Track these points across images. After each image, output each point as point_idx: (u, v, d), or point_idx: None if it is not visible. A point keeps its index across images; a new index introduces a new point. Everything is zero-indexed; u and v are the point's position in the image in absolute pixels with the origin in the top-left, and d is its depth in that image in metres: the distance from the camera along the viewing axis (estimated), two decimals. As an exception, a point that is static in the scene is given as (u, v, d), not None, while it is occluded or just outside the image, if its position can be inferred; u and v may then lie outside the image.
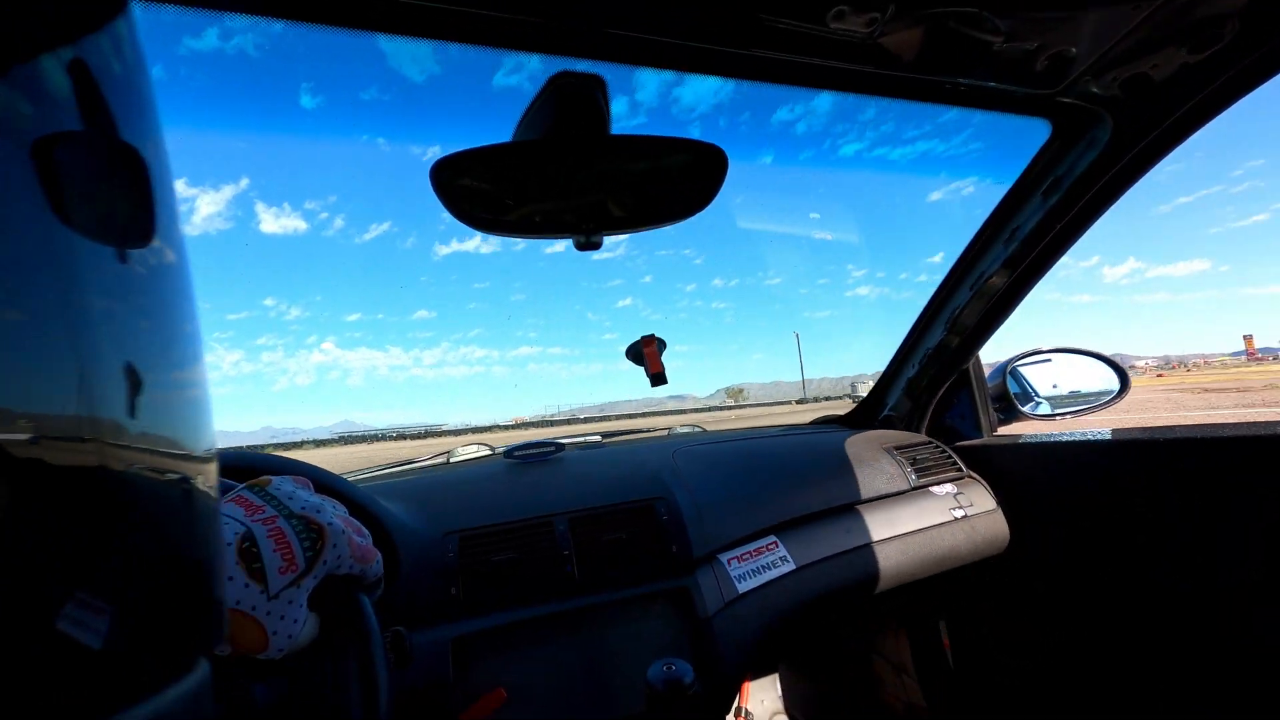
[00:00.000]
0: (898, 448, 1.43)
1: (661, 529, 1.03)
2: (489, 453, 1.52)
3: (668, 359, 1.23)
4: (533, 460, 1.30)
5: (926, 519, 1.30)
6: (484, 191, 0.69)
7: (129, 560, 0.21)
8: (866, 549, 1.21)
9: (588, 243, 0.72)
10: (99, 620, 0.19)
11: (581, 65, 0.76)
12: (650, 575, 1.00)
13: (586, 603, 0.95)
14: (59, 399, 0.19)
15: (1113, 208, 1.09)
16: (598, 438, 1.66)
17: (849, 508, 1.28)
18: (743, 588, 1.06)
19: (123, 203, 0.22)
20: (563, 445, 1.35)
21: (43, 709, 0.18)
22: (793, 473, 1.29)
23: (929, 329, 1.48)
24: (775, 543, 1.16)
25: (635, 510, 1.05)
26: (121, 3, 0.23)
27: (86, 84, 0.21)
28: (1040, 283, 1.28)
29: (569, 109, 0.68)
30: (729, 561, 1.08)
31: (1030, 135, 1.08)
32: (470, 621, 0.90)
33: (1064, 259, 1.23)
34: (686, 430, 1.80)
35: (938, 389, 1.55)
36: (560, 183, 0.71)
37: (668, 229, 0.79)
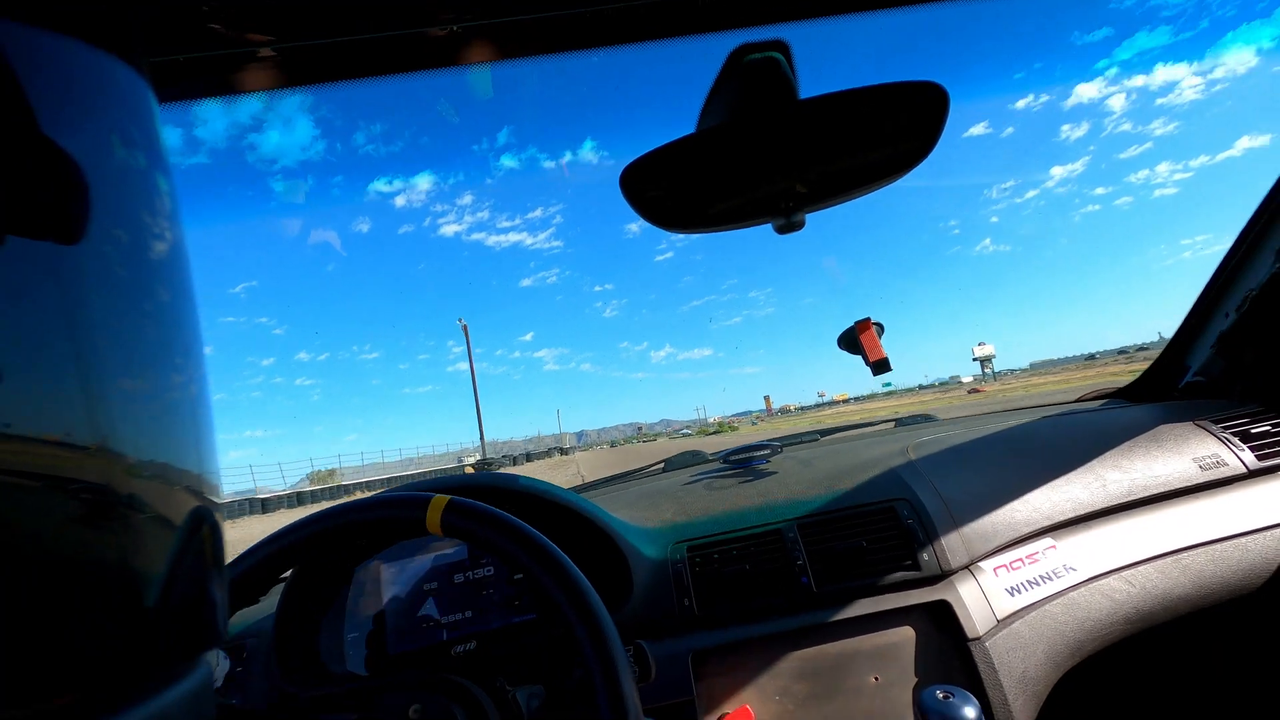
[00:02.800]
0: (1220, 422, 1.10)
1: (907, 534, 0.91)
2: (707, 460, 1.51)
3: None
4: (751, 464, 1.25)
5: (1280, 512, 0.98)
6: (676, 190, 0.66)
7: (129, 561, 0.21)
8: (1190, 554, 0.95)
9: (789, 224, 0.66)
10: (100, 621, 0.19)
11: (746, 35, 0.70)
12: (899, 586, 0.88)
13: (829, 618, 0.87)
14: (58, 397, 0.19)
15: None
16: (815, 436, 1.56)
17: (1152, 501, 1.01)
18: (1017, 602, 0.88)
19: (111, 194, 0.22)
20: (779, 447, 1.28)
21: (43, 709, 0.18)
22: (1066, 458, 1.06)
23: (1251, 262, 1.13)
24: (1053, 546, 0.96)
25: (873, 513, 0.94)
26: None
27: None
28: None
29: (752, 84, 0.63)
30: (994, 570, 0.92)
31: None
32: (707, 634, 0.87)
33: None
34: (916, 419, 1.61)
35: (1274, 341, 1.17)
36: (755, 164, 0.65)
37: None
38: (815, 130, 0.66)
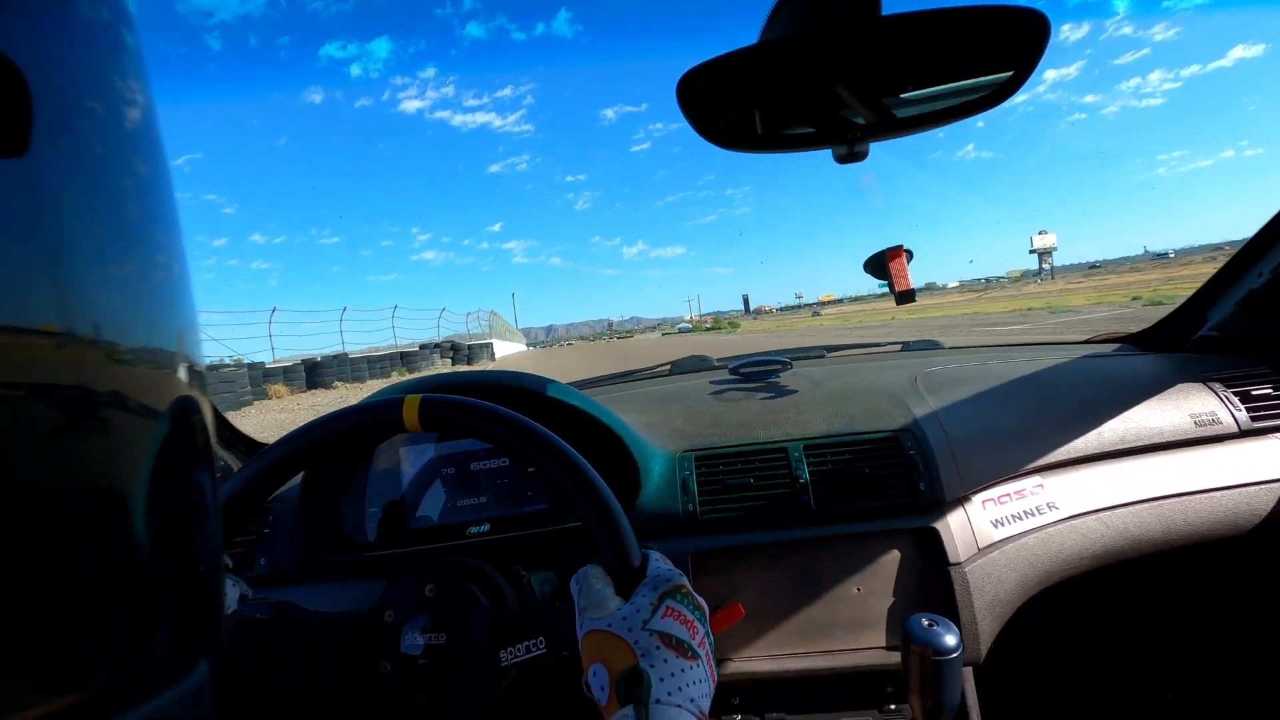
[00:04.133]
0: (1225, 379, 1.12)
1: (908, 464, 0.95)
2: (713, 366, 1.53)
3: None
4: (760, 378, 1.27)
5: (1260, 472, 1.03)
6: (735, 106, 0.62)
7: (129, 562, 0.20)
8: (1166, 503, 1.00)
9: (851, 154, 0.62)
10: (100, 622, 0.19)
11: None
12: (893, 511, 0.93)
13: (823, 533, 0.92)
14: (32, 290, 0.17)
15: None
16: (821, 352, 1.57)
17: (1142, 450, 1.05)
18: (999, 534, 0.95)
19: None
20: (789, 362, 1.30)
21: (44, 709, 0.18)
22: (1067, 403, 1.09)
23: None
24: (1040, 485, 1.01)
25: (878, 441, 0.98)
26: None
27: None
28: None
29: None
30: (984, 503, 0.97)
31: None
32: (707, 538, 0.93)
33: None
34: (923, 345, 1.63)
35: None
36: (824, 86, 0.60)
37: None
38: (895, 52, 0.60)
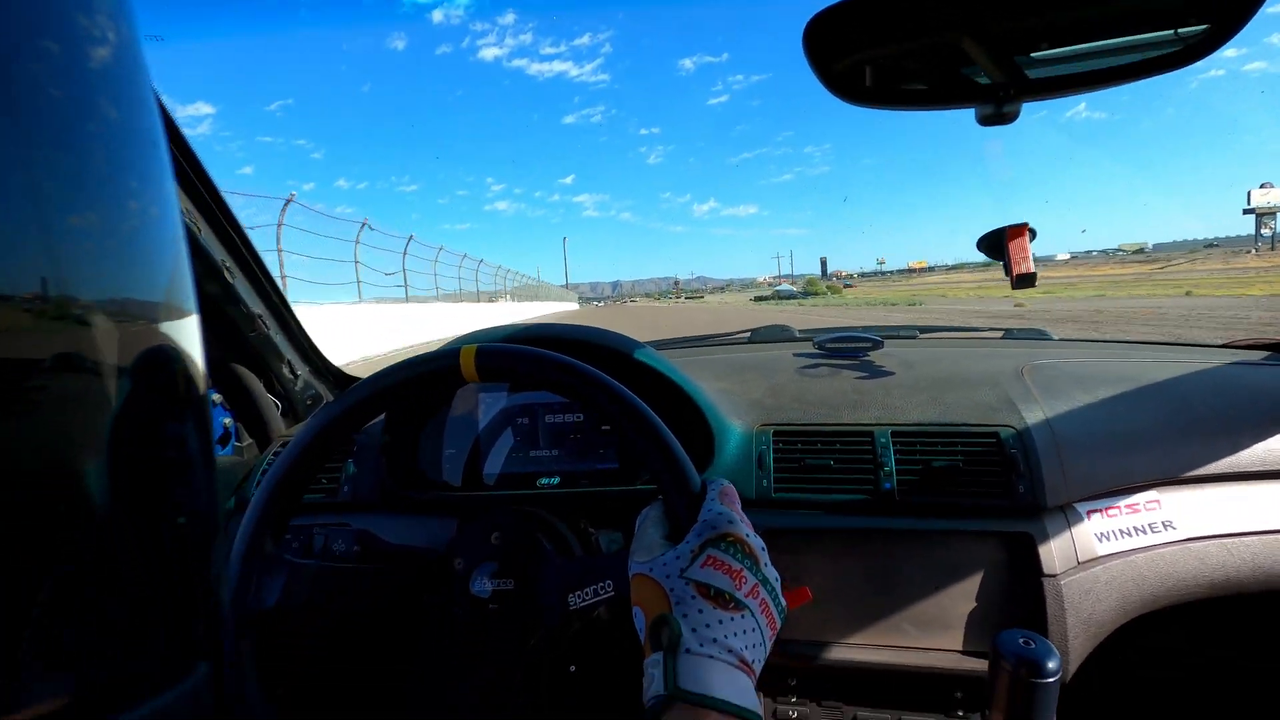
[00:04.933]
0: None
1: (1008, 463, 0.87)
2: (799, 336, 1.47)
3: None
4: (847, 355, 1.21)
5: None
6: (871, 55, 0.55)
7: (130, 565, 0.20)
8: None
9: (999, 114, 0.54)
10: (100, 623, 0.19)
11: None
12: (985, 512, 0.87)
13: (905, 525, 0.87)
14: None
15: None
16: (914, 332, 1.48)
17: (1278, 475, 0.93)
18: (1104, 549, 0.86)
19: None
20: (880, 340, 1.23)
21: (44, 709, 0.18)
22: (1197, 414, 0.97)
23: None
24: (1156, 501, 0.91)
25: (977, 436, 0.91)
26: None
27: None
28: None
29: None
30: (1089, 514, 0.89)
31: None
32: (780, 515, 0.90)
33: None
34: (1028, 334, 1.50)
35: None
36: (977, 34, 0.53)
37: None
38: (1050, 5, 0.52)
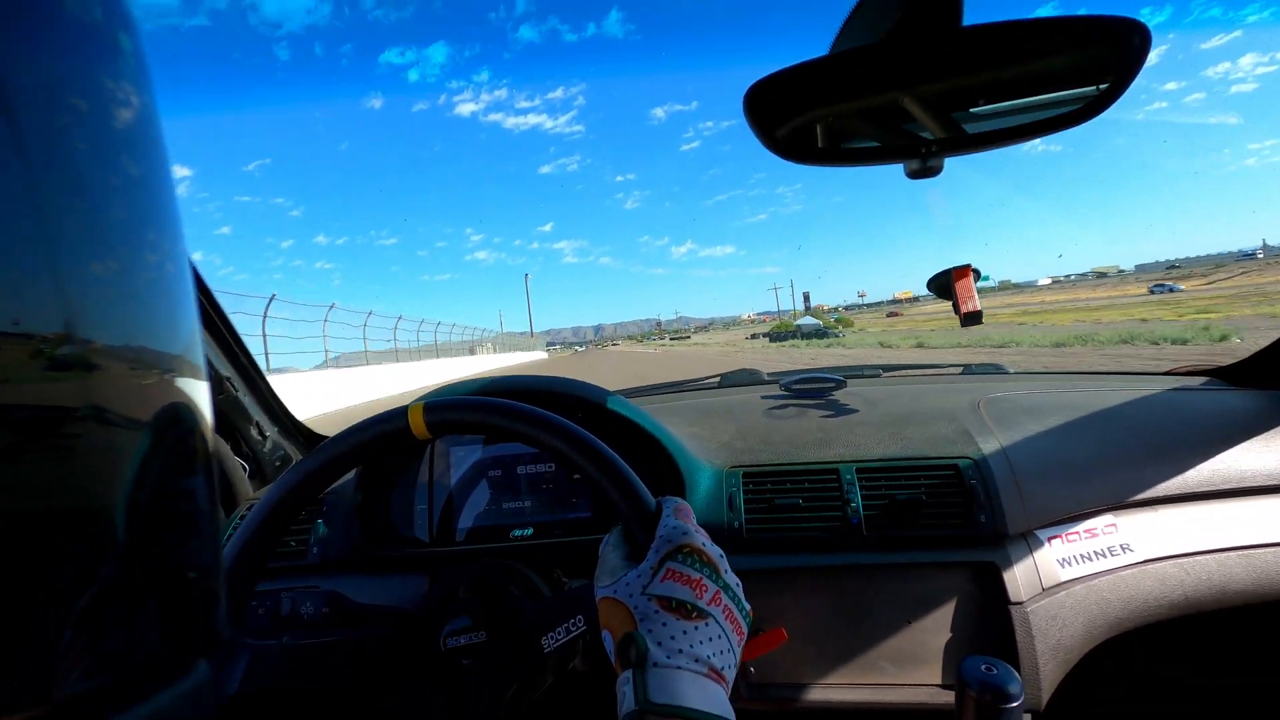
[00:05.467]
0: None
1: (968, 494, 0.90)
2: (766, 379, 1.50)
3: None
4: (812, 395, 1.24)
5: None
6: (804, 119, 0.60)
7: (129, 562, 0.20)
8: (1259, 552, 0.92)
9: (924, 169, 0.60)
10: (99, 622, 0.19)
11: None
12: (949, 543, 0.89)
13: (873, 560, 0.89)
14: (12, 289, 0.17)
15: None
16: (877, 371, 1.53)
17: (1231, 494, 0.97)
18: (1066, 574, 0.89)
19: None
20: (843, 380, 1.26)
21: (44, 709, 0.18)
22: (1146, 438, 1.02)
23: None
24: (1113, 525, 0.94)
25: (937, 469, 0.94)
26: None
27: None
28: None
29: (912, 1, 0.55)
30: (1049, 540, 0.91)
31: None
32: (751, 557, 0.91)
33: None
34: (985, 369, 1.56)
35: None
36: (897, 98, 0.58)
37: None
38: (975, 64, 0.58)
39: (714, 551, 0.55)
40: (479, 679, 0.68)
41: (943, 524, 0.89)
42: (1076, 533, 0.93)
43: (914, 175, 0.61)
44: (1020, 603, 0.84)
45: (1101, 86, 0.57)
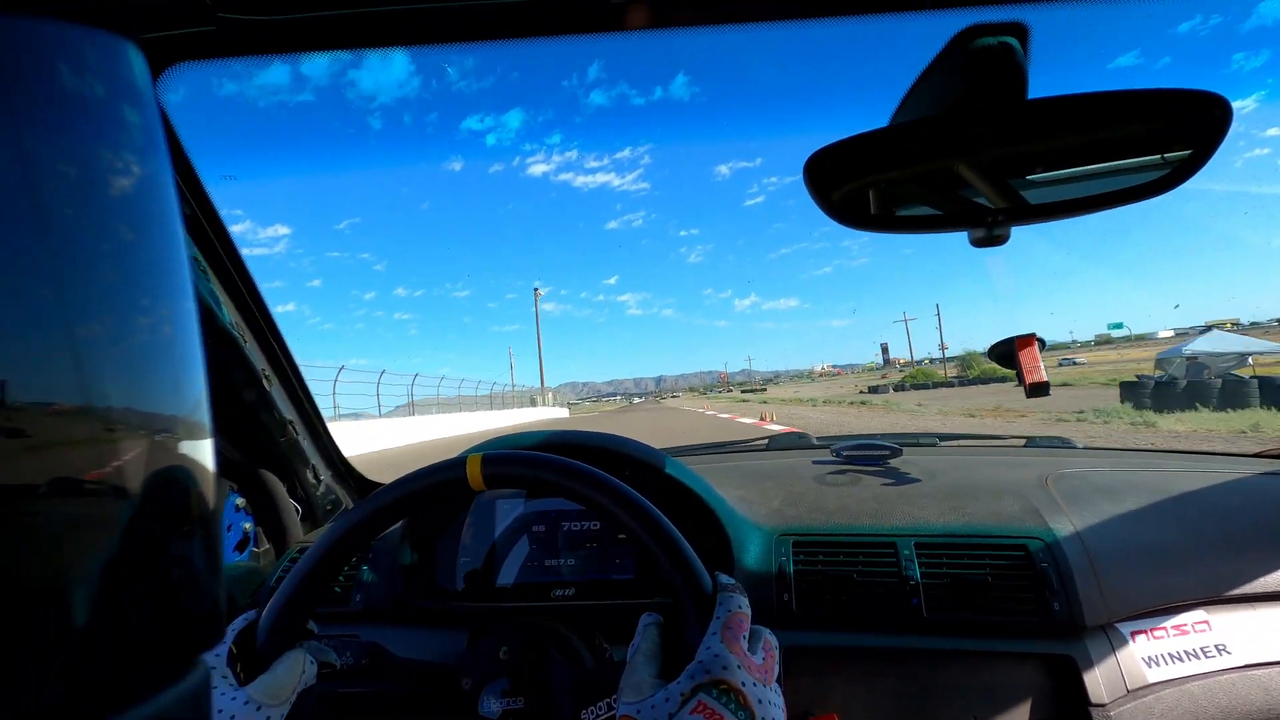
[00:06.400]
0: None
1: (1039, 577, 0.84)
2: (816, 444, 1.47)
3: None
4: (866, 462, 1.20)
5: None
6: (867, 187, 0.61)
7: (128, 562, 0.20)
8: None
9: (989, 238, 0.59)
10: (99, 622, 0.19)
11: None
12: (1020, 631, 0.83)
13: (935, 645, 0.83)
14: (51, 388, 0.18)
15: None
16: (934, 440, 1.47)
17: None
18: (1155, 675, 0.81)
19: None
20: (898, 449, 1.22)
21: (43, 709, 0.18)
22: (1240, 527, 0.94)
23: None
24: (1205, 622, 0.86)
25: (1004, 548, 0.88)
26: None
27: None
28: None
29: (977, 71, 0.55)
30: (1133, 636, 0.83)
31: None
32: (802, 634, 0.86)
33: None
34: (1051, 443, 1.48)
35: None
36: (962, 168, 0.58)
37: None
38: (1041, 136, 0.57)
39: (754, 695, 0.50)
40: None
41: (1012, 610, 0.83)
42: (1164, 629, 0.85)
43: (978, 244, 0.60)
44: (1102, 704, 0.77)
45: (1179, 156, 0.56)
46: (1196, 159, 0.52)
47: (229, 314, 0.87)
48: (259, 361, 0.97)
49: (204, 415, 0.25)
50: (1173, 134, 0.53)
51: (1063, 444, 1.46)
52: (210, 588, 0.24)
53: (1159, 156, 0.57)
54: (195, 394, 0.24)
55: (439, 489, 0.68)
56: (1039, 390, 0.98)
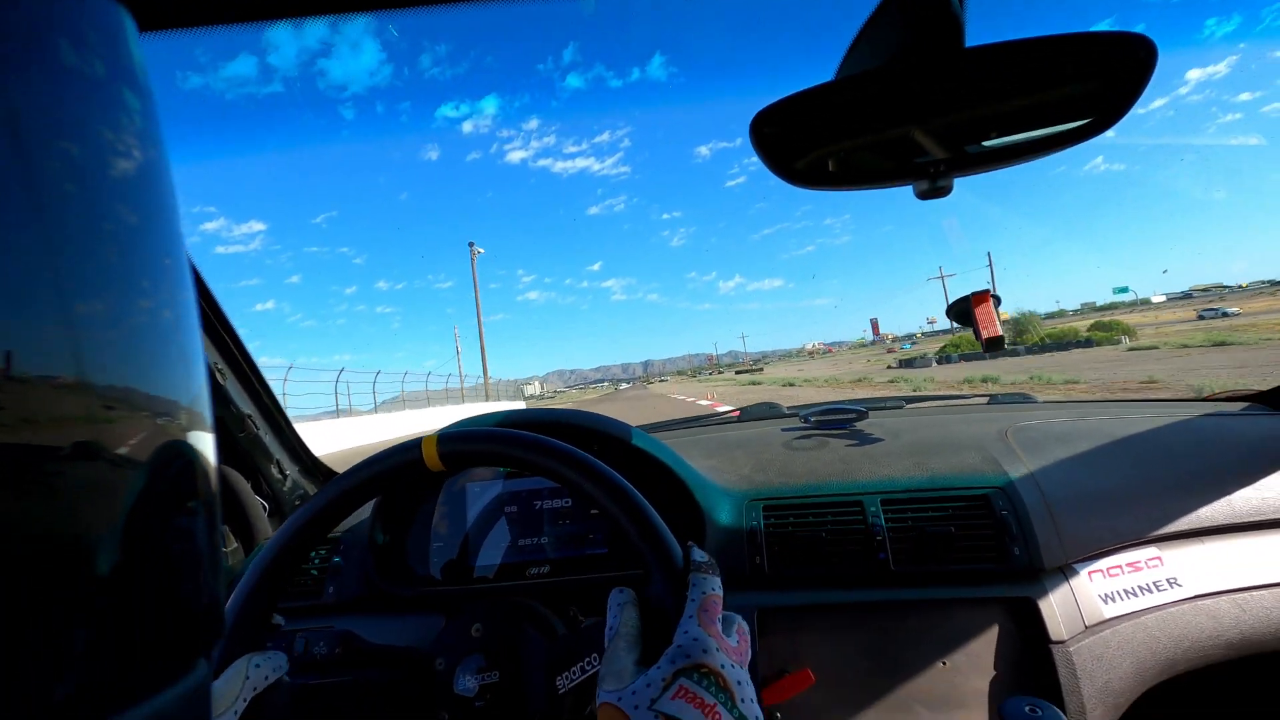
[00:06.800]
0: None
1: (999, 525, 0.86)
2: (786, 413, 1.48)
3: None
4: (833, 426, 1.22)
5: None
6: (811, 143, 0.61)
7: (127, 561, 0.20)
8: None
9: (933, 189, 0.59)
10: (98, 621, 0.19)
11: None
12: (982, 577, 0.85)
13: (903, 596, 0.85)
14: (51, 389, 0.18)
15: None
16: (900, 402, 1.49)
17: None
18: (1110, 611, 0.84)
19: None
20: (864, 411, 1.24)
21: (43, 709, 0.18)
22: (1188, 467, 0.97)
23: None
24: (1158, 558, 0.89)
25: (965, 499, 0.90)
26: None
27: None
28: None
29: (914, 24, 0.56)
30: (1089, 574, 0.87)
31: None
32: (774, 594, 0.88)
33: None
34: (1012, 399, 1.52)
35: None
36: (904, 120, 0.59)
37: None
38: (980, 85, 0.58)
39: (732, 676, 0.50)
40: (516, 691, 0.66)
41: (975, 558, 0.86)
42: (1118, 566, 0.88)
43: (923, 196, 0.61)
44: (1062, 641, 0.80)
45: (1098, 109, 0.57)
46: (1125, 99, 0.53)
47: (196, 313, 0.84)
48: (209, 354, 0.94)
49: (204, 407, 0.24)
50: (1104, 75, 0.54)
51: (1024, 399, 1.50)
52: (211, 582, 0.24)
53: (1089, 95, 0.58)
54: (196, 383, 0.24)
55: (397, 472, 0.67)
56: (995, 344, 1.00)
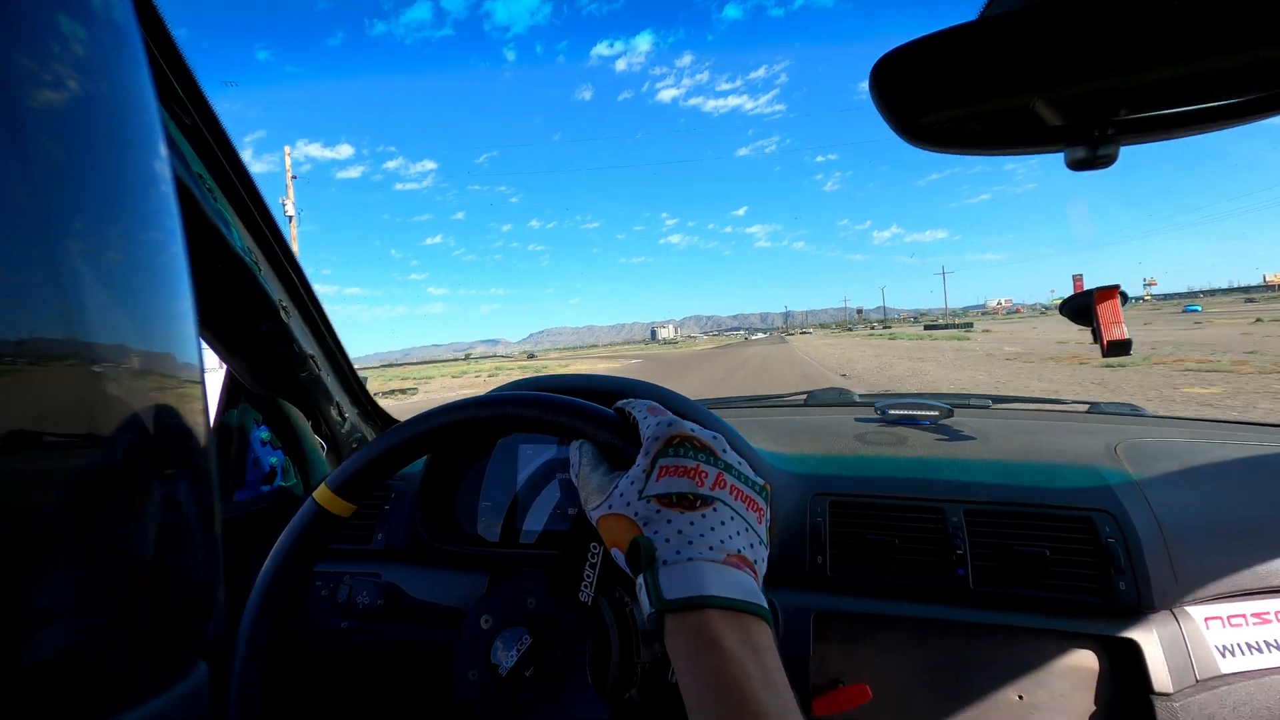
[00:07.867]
0: None
1: (1104, 553, 0.76)
2: (855, 401, 1.39)
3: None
4: (912, 422, 1.12)
5: None
6: (945, 97, 0.51)
7: (129, 565, 0.20)
8: None
9: (1093, 158, 0.49)
10: (100, 623, 0.19)
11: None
12: (1077, 610, 0.76)
13: (980, 619, 0.77)
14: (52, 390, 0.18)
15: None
16: (986, 402, 1.37)
17: None
18: (1228, 666, 0.73)
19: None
20: (949, 409, 1.13)
21: (44, 710, 0.18)
22: None
23: None
24: (1291, 610, 0.77)
25: (1064, 519, 0.80)
26: None
27: None
28: None
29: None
30: (1206, 621, 0.76)
31: None
32: (835, 598, 0.81)
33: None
34: (1117, 409, 1.36)
35: None
36: (1062, 73, 0.48)
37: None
38: (1159, 33, 0.47)
39: (706, 434, 0.51)
40: (520, 700, 0.63)
41: (1071, 587, 0.76)
42: (1241, 615, 0.77)
43: (1077, 166, 0.50)
44: (1168, 694, 0.70)
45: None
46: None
47: (240, 238, 0.83)
48: (275, 292, 0.93)
49: (193, 355, 0.24)
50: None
51: (1131, 410, 1.34)
52: (209, 590, 0.24)
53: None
54: (186, 330, 0.24)
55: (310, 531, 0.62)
56: (1119, 348, 0.88)
